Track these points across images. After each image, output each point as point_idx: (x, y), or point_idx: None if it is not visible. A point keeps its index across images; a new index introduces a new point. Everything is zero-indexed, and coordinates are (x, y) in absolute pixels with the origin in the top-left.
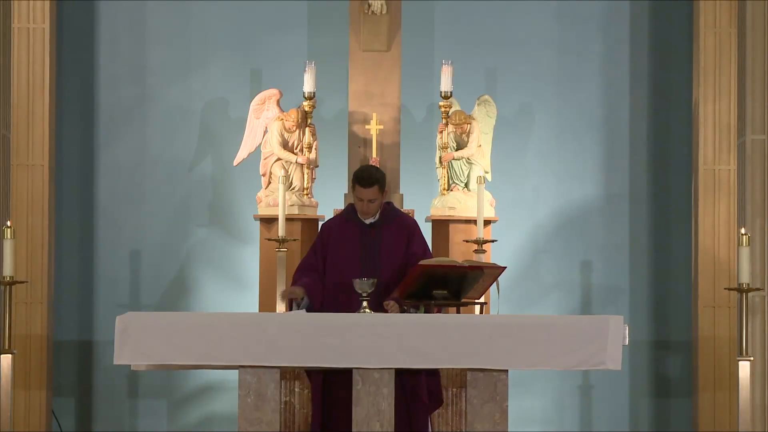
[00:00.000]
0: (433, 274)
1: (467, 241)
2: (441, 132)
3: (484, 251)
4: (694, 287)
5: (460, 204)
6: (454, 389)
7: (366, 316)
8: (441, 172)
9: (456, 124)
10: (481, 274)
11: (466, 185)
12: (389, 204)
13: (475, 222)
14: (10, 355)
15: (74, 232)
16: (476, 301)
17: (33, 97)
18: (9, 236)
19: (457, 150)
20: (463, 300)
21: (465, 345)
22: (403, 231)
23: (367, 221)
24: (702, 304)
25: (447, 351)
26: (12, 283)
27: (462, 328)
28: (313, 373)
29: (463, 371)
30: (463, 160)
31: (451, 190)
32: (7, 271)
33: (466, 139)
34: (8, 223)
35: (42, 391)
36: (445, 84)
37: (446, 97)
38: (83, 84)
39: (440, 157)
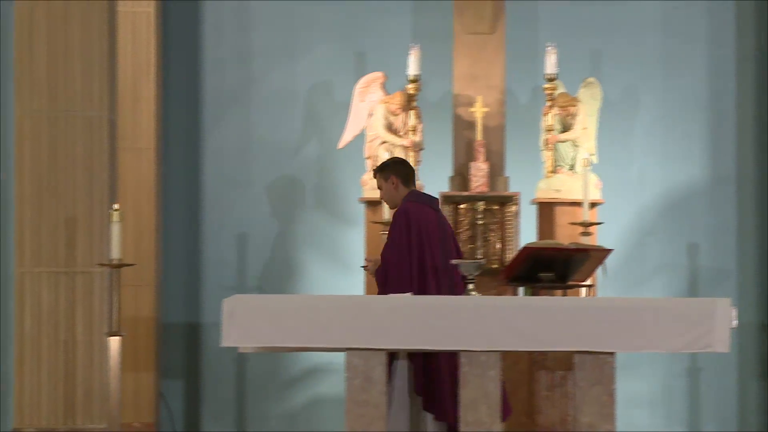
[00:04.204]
0: (539, 257)
1: (573, 224)
2: (546, 114)
3: (590, 234)
4: None
5: (566, 186)
6: (561, 372)
7: (472, 298)
8: (546, 155)
9: (561, 107)
10: (587, 257)
11: (572, 167)
12: (411, 192)
13: (580, 204)
14: (118, 338)
15: (181, 215)
16: (582, 283)
17: (138, 81)
18: (116, 219)
19: (562, 132)
20: (569, 282)
21: (571, 328)
22: None
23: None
24: None
25: (553, 334)
26: (120, 266)
27: (568, 310)
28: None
29: (570, 354)
30: (569, 142)
31: (557, 173)
32: (115, 254)
33: (571, 121)
34: (116, 207)
35: (150, 373)
36: (550, 66)
37: (551, 80)
38: (188, 68)
39: (545, 140)
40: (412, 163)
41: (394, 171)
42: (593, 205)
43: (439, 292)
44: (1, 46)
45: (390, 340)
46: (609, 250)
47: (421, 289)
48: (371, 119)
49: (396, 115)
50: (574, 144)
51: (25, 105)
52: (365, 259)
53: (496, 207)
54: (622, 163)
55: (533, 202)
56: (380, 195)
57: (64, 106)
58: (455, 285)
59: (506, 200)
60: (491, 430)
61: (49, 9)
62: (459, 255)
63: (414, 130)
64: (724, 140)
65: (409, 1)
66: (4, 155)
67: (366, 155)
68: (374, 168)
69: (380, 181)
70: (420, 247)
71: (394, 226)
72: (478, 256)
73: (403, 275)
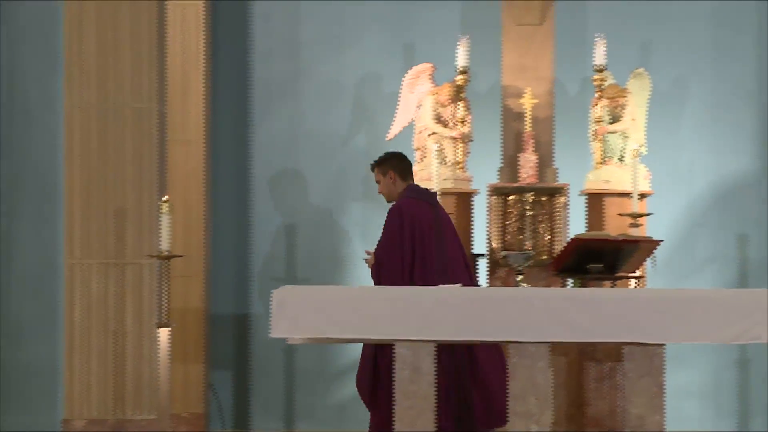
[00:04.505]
0: (588, 248)
1: (622, 215)
2: (595, 105)
3: (639, 225)
4: None
5: (615, 177)
6: (611, 363)
7: (522, 289)
8: (595, 146)
9: (610, 98)
10: (636, 248)
11: (621, 158)
12: (408, 186)
13: (630, 195)
14: (168, 329)
15: (230, 206)
16: (631, 274)
17: (188, 73)
18: (166, 211)
19: (611, 123)
20: (618, 274)
21: (621, 319)
22: None
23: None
24: None
25: (602, 325)
26: (169, 257)
27: (617, 302)
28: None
29: (620, 345)
30: (618, 133)
31: (606, 164)
32: (165, 245)
33: (620, 112)
34: (165, 198)
35: (199, 364)
36: (599, 57)
37: (600, 71)
38: (237, 59)
39: (594, 131)
40: (461, 155)
41: (392, 165)
42: (642, 196)
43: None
44: (52, 39)
45: (439, 331)
46: (658, 241)
47: (414, 284)
48: (420, 110)
49: (445, 106)
50: (623, 135)
51: (74, 97)
52: (365, 251)
53: (545, 198)
54: (671, 154)
55: (582, 193)
56: (378, 189)
57: (113, 99)
58: (451, 281)
59: (555, 191)
60: (540, 422)
61: (98, 2)
62: (461, 250)
63: (463, 121)
64: None
65: None
66: (55, 148)
67: (415, 146)
68: (372, 162)
69: (378, 175)
70: (412, 243)
71: (387, 221)
72: (527, 248)
73: (395, 271)
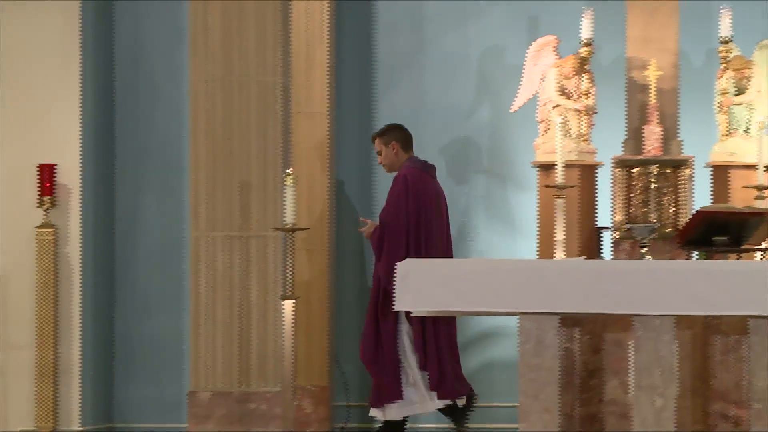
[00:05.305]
0: (714, 221)
1: (747, 187)
2: (720, 77)
3: (764, 197)
4: None
5: (740, 150)
6: (736, 336)
7: (646, 262)
8: (720, 118)
9: (736, 69)
10: (762, 220)
11: (747, 130)
12: (410, 158)
13: (755, 167)
14: (292, 302)
15: (354, 178)
16: (757, 247)
17: (312, 46)
18: (290, 184)
19: (736, 95)
20: (743, 246)
21: (746, 292)
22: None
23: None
24: None
25: (728, 298)
26: (294, 230)
27: (743, 274)
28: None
29: (745, 318)
30: (743, 105)
31: (731, 136)
32: (289, 218)
33: (745, 84)
34: (289, 171)
35: (323, 336)
36: (724, 29)
37: (725, 42)
38: (361, 32)
39: (720, 103)
40: (585, 127)
41: (395, 137)
42: None
43: (428, 256)
44: (177, 14)
45: (563, 303)
46: None
47: (414, 253)
48: (544, 83)
49: (569, 78)
50: (749, 107)
51: (200, 71)
52: (362, 220)
53: (669, 170)
54: None
55: (707, 165)
56: (379, 160)
57: (238, 72)
58: (444, 252)
59: (680, 164)
60: (665, 395)
61: None
62: (447, 225)
63: (587, 93)
64: None
65: None
66: (180, 122)
67: (538, 119)
68: (374, 133)
69: (380, 145)
70: (417, 209)
71: (393, 189)
72: (652, 220)
73: (399, 238)
